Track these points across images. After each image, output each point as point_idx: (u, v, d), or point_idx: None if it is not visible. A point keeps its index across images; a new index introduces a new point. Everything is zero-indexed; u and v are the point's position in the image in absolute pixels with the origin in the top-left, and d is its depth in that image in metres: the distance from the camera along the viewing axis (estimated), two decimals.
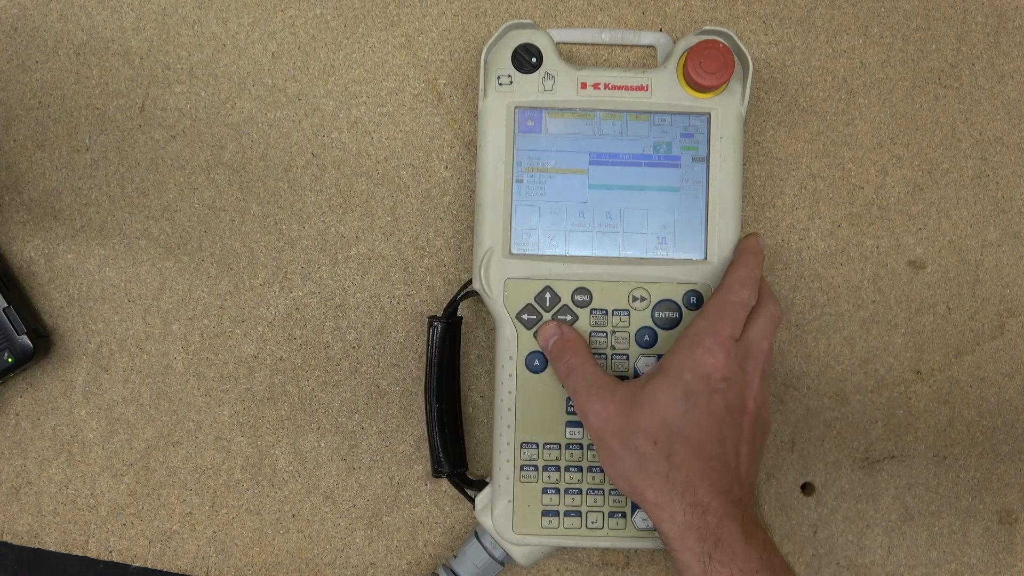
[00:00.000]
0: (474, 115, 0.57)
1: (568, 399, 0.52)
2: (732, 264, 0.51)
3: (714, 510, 0.44)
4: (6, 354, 0.54)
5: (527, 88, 0.53)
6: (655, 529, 0.47)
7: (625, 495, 0.49)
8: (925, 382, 0.58)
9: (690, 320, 0.51)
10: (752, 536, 0.44)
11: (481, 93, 0.53)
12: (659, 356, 0.52)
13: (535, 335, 0.52)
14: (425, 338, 0.57)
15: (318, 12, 0.58)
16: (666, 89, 0.53)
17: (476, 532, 0.54)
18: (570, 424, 0.52)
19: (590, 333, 0.52)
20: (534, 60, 0.53)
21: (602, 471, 0.52)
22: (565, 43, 0.57)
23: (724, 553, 0.43)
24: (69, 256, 0.57)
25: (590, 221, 0.53)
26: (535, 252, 0.53)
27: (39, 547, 0.57)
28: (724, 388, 0.46)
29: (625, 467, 0.46)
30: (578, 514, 0.52)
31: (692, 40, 0.53)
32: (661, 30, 0.58)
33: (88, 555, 0.57)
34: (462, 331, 0.56)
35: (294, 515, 0.57)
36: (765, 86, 0.58)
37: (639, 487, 0.46)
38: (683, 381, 0.46)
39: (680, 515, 0.44)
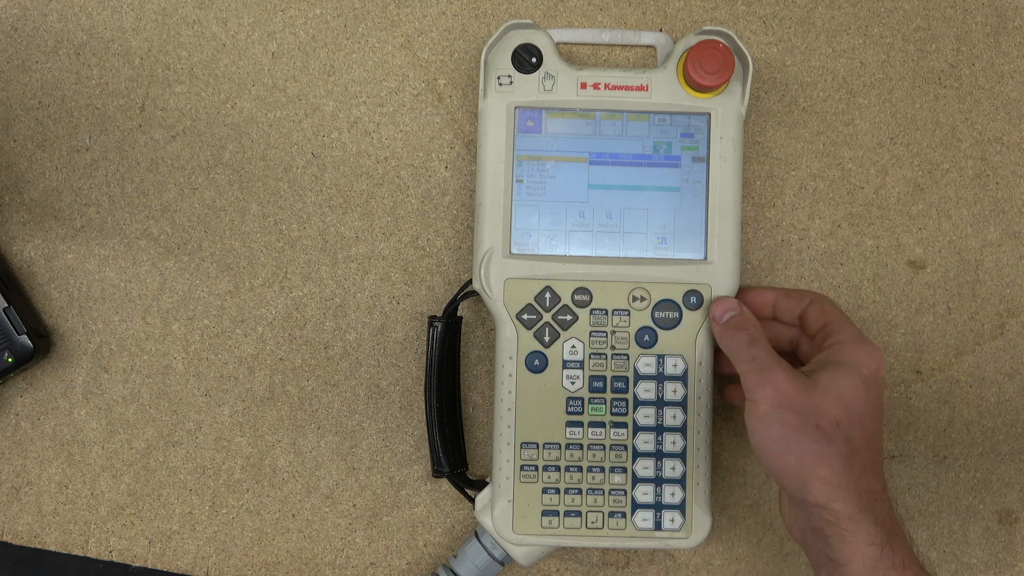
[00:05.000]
0: (474, 115, 0.57)
1: (568, 399, 0.52)
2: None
3: (880, 498, 0.46)
4: (6, 354, 0.54)
5: (527, 88, 0.53)
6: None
7: (773, 470, 0.48)
8: (925, 382, 0.58)
9: (692, 320, 0.52)
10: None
11: (481, 93, 0.53)
12: (659, 356, 0.52)
13: (708, 310, 0.52)
14: (425, 338, 0.57)
15: (318, 12, 0.58)
16: (666, 89, 0.53)
17: (476, 532, 0.54)
18: (570, 424, 0.52)
19: (590, 333, 0.52)
20: (534, 60, 0.53)
21: (602, 471, 0.52)
22: (565, 43, 0.57)
23: (897, 542, 0.45)
24: (69, 256, 0.57)
25: (590, 221, 0.53)
26: (535, 252, 0.53)
27: (39, 547, 0.57)
28: (883, 386, 0.49)
29: (799, 443, 0.46)
30: (578, 514, 0.52)
31: (692, 40, 0.53)
32: (661, 30, 0.58)
33: (88, 555, 0.57)
34: (462, 331, 0.56)
35: (294, 515, 0.57)
36: (765, 86, 0.58)
37: (812, 466, 0.46)
38: (861, 374, 0.48)
39: (856, 497, 0.46)
